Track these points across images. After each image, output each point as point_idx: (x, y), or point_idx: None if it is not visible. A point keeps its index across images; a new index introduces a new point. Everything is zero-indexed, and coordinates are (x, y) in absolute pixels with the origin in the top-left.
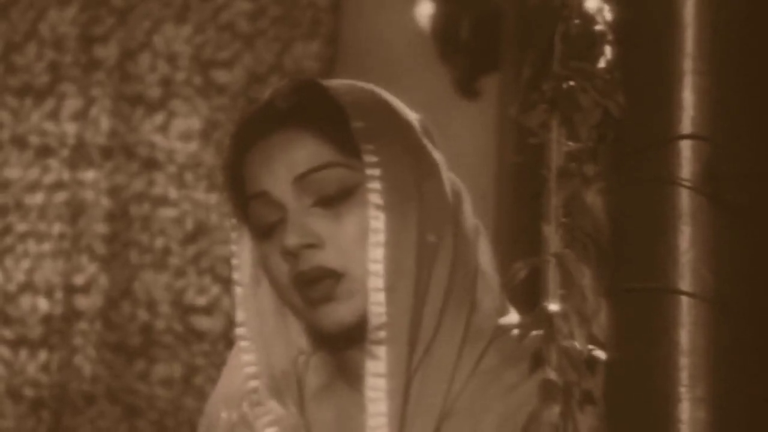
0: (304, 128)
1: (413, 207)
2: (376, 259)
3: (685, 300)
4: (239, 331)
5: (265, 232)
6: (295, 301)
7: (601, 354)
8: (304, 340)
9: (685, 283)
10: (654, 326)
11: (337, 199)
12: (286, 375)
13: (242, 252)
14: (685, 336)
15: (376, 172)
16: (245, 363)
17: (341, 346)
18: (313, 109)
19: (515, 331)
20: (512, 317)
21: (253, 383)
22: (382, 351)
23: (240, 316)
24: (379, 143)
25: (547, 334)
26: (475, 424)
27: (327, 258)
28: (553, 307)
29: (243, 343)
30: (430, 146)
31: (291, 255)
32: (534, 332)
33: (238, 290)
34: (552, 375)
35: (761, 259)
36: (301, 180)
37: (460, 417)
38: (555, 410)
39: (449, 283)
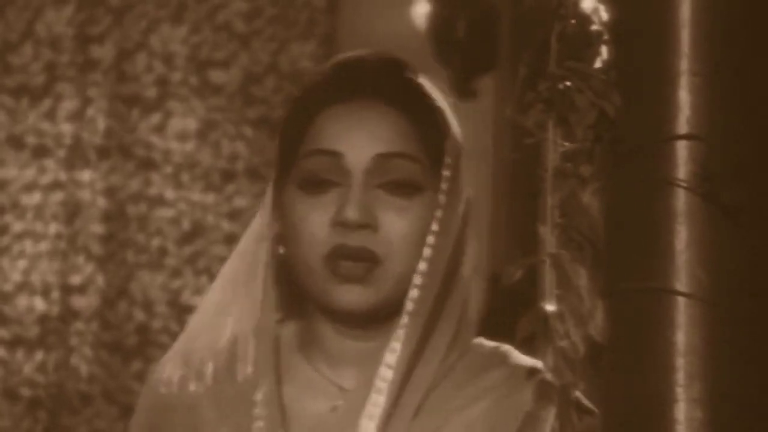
0: (397, 109)
1: (459, 218)
2: (426, 258)
3: (681, 300)
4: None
5: (313, 187)
6: (318, 266)
7: (597, 354)
8: (271, 306)
9: (681, 283)
10: (650, 326)
11: (403, 191)
12: (268, 337)
13: (267, 199)
14: (681, 336)
15: (448, 173)
16: (209, 315)
17: (328, 323)
18: (408, 95)
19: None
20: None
21: (239, 342)
22: (398, 345)
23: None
24: (456, 149)
25: (543, 334)
26: (440, 426)
27: (375, 242)
28: (549, 307)
29: (215, 295)
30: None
31: (343, 226)
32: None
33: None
34: (548, 376)
35: (757, 260)
36: (381, 158)
37: (426, 417)
38: (551, 411)
39: (454, 288)
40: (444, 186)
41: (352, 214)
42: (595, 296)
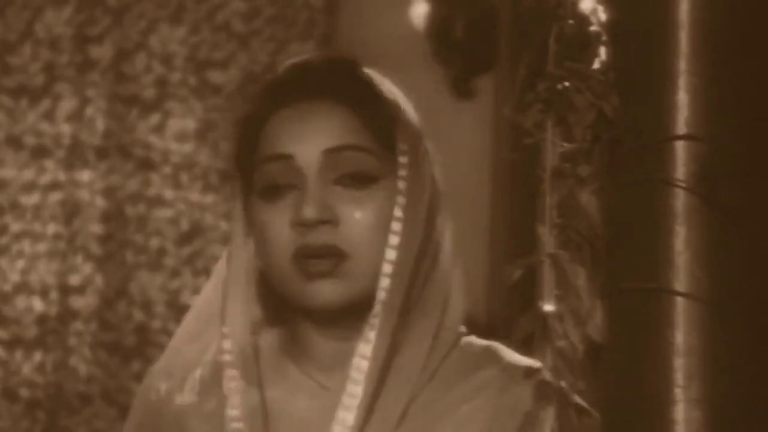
0: (344, 105)
1: (424, 204)
2: (393, 246)
3: (680, 300)
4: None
5: (271, 194)
6: (286, 269)
7: (596, 354)
8: (256, 313)
9: (680, 283)
10: (649, 326)
11: (360, 182)
12: (246, 348)
13: (236, 210)
14: (679, 336)
15: (405, 159)
16: (199, 329)
17: (310, 325)
18: (354, 90)
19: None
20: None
21: (227, 356)
22: (373, 335)
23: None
24: (411, 135)
25: (542, 334)
26: (430, 428)
27: (338, 237)
28: (548, 307)
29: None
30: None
31: (303, 226)
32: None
33: (229, 250)
34: (547, 376)
35: (755, 260)
36: (331, 153)
37: (415, 419)
38: (550, 411)
39: (430, 280)
40: (402, 172)
41: (308, 212)
42: (594, 296)
